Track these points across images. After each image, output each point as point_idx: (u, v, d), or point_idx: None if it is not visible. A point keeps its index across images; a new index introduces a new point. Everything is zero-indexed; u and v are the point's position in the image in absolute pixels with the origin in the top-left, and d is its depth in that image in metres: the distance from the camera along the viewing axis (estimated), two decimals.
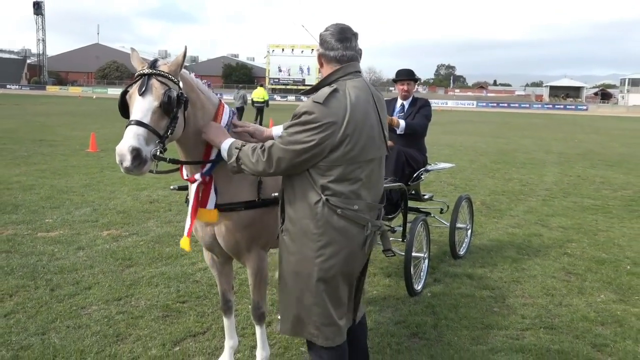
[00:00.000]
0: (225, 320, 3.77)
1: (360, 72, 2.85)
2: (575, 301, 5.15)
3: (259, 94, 26.99)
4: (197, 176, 3.14)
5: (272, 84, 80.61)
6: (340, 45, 2.76)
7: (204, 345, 4.12)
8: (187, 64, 3.15)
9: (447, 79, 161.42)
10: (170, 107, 2.84)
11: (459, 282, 5.60)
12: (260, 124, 25.50)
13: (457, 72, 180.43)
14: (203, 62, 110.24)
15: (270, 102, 28.83)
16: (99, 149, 15.01)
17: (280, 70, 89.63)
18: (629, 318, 4.79)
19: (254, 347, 4.00)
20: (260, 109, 26.66)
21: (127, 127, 2.76)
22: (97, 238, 6.72)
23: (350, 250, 2.77)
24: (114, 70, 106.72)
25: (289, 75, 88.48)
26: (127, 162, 2.67)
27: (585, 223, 8.28)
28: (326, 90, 2.66)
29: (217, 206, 3.19)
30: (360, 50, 2.85)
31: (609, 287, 5.54)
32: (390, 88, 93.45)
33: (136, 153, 2.68)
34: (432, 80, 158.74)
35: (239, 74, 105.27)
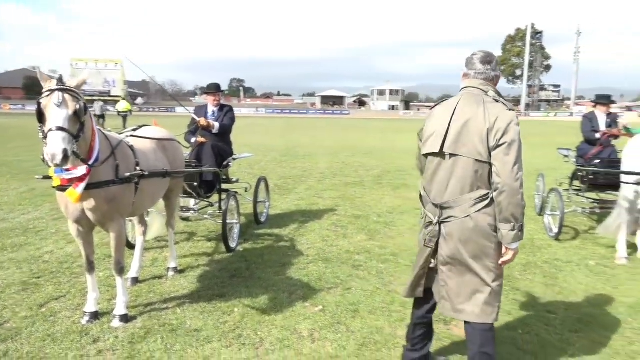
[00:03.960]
0: (89, 278, 4.07)
1: (470, 87, 2.91)
2: (341, 242, 6.37)
3: (122, 106, 31.56)
4: (83, 168, 3.44)
5: None
6: (467, 67, 2.98)
7: (67, 304, 4.33)
8: None
9: (238, 90, 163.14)
10: (81, 115, 3.29)
11: (262, 239, 6.48)
12: (124, 127, 24.86)
13: (247, 85, 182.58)
14: (2, 74, 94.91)
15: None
16: None
17: (86, 83, 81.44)
18: (374, 249, 6.12)
19: (110, 299, 4.39)
20: (125, 117, 30.39)
21: (49, 132, 3.12)
22: None
23: None
24: None
25: (99, 87, 79.62)
26: (58, 160, 3.09)
27: (348, 193, 9.82)
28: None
29: (88, 185, 3.52)
30: (485, 72, 2.91)
31: (362, 232, 6.90)
32: (191, 98, 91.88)
33: (65, 153, 3.11)
34: (227, 91, 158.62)
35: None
